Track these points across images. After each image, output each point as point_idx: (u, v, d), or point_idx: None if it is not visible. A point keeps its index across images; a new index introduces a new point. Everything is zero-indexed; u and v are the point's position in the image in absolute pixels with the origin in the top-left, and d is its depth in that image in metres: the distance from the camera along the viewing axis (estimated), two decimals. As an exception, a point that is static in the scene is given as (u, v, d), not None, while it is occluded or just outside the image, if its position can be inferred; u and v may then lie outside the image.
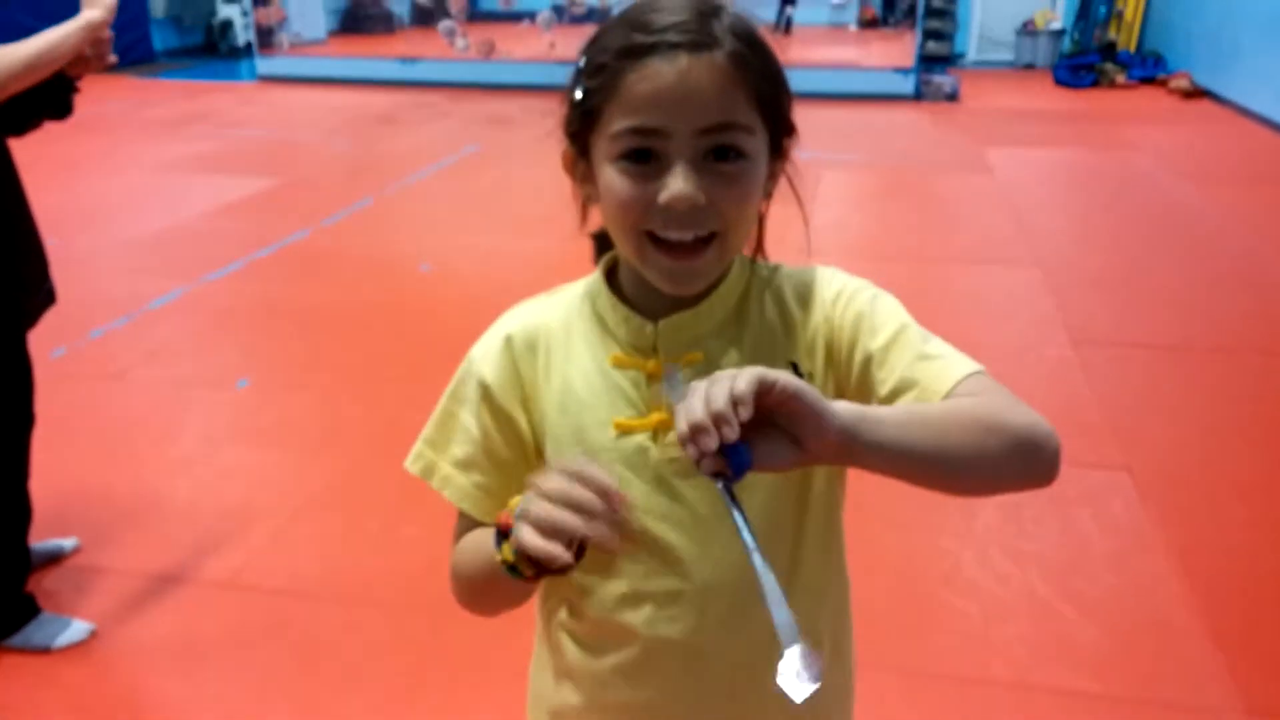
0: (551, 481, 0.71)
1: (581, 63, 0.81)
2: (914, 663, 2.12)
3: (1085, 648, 2.16)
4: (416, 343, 3.79)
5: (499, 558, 0.76)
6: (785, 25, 12.27)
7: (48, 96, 2.04)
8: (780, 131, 0.83)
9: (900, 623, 2.23)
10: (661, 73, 0.75)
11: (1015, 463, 0.77)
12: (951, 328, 3.74)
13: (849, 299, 0.85)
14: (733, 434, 0.64)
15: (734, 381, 0.65)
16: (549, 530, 0.70)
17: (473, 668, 2.08)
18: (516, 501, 0.75)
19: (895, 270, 4.62)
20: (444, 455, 0.90)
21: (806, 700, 0.89)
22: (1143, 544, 2.51)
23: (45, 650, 2.13)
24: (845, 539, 0.92)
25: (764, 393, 0.65)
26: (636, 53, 0.76)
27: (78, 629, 2.18)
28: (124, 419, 3.19)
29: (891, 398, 0.81)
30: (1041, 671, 2.09)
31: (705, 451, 0.64)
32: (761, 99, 0.79)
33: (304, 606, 2.30)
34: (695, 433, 0.64)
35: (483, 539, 0.82)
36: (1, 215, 2.02)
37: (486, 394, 0.88)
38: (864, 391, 0.83)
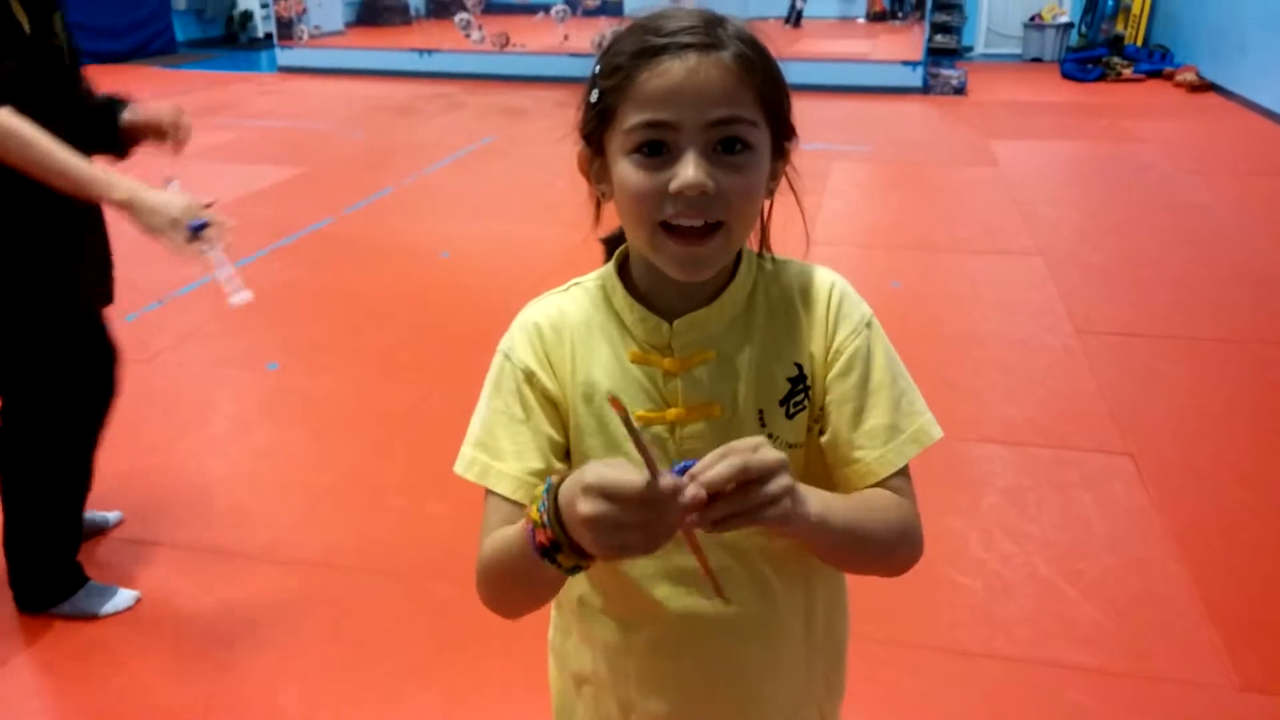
0: (607, 501, 0.68)
1: (597, 69, 0.85)
2: (919, 637, 2.19)
3: (1085, 625, 2.22)
4: (438, 327, 3.88)
5: (539, 551, 0.75)
6: (795, 19, 12.30)
7: (107, 138, 2.05)
8: (782, 133, 0.87)
9: (906, 598, 2.26)
10: (673, 69, 0.80)
11: (893, 566, 0.92)
12: (958, 316, 3.83)
13: (851, 331, 0.91)
14: (699, 499, 0.69)
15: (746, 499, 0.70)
16: (614, 546, 0.69)
17: (499, 634, 2.13)
18: (539, 496, 0.76)
19: (903, 259, 4.71)
20: (495, 454, 0.90)
21: (806, 670, 0.98)
22: (1143, 526, 2.58)
23: (93, 617, 2.22)
24: None
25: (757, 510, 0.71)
26: (649, 53, 0.81)
27: (124, 597, 2.27)
28: (159, 400, 3.29)
29: (848, 446, 0.90)
30: (1042, 647, 2.15)
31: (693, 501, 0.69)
32: (765, 99, 0.83)
33: (336, 578, 2.39)
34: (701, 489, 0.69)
35: (512, 536, 0.82)
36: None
37: (531, 378, 0.91)
38: (825, 416, 0.91)
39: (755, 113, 0.83)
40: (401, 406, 3.21)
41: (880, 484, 0.90)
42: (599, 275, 0.95)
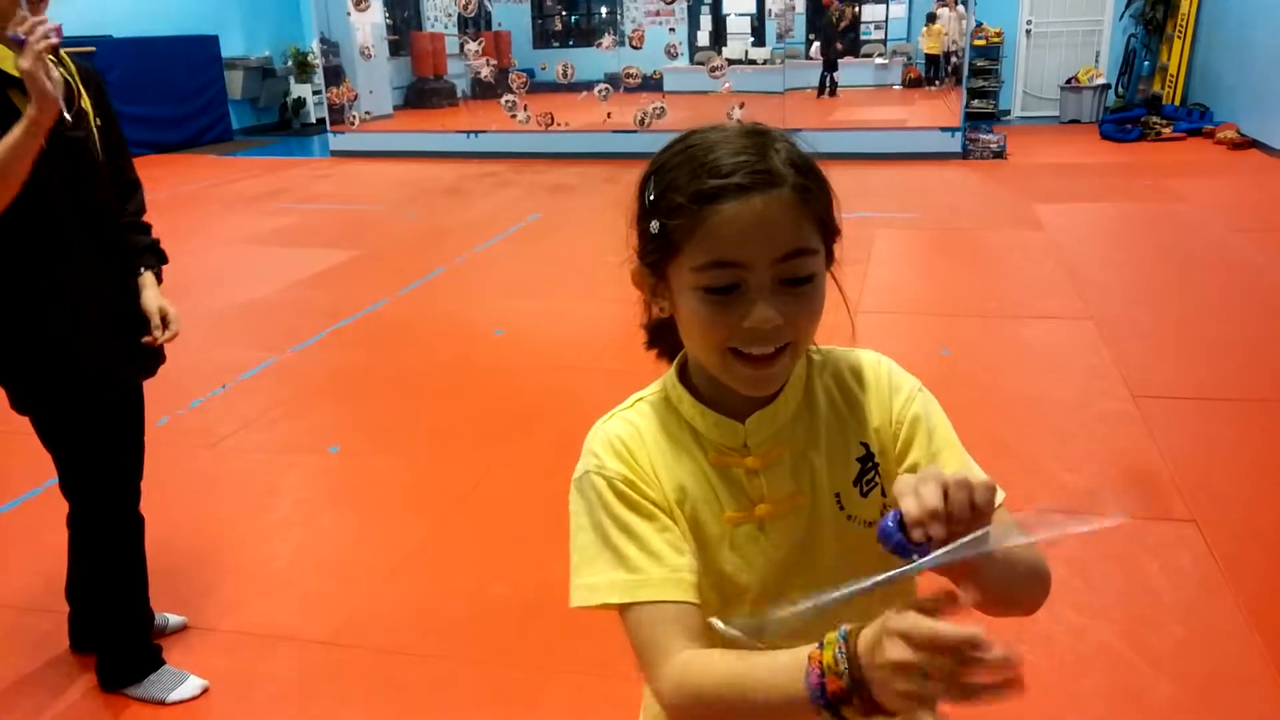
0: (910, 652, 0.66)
1: (650, 197, 0.88)
2: (992, 714, 2.17)
3: (1160, 700, 2.18)
4: (494, 405, 3.94)
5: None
6: (831, 89, 12.49)
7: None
8: (831, 239, 0.91)
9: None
10: (740, 214, 0.83)
11: (1034, 601, 0.91)
12: (1011, 382, 3.81)
13: (906, 397, 0.95)
14: (940, 536, 0.70)
15: (973, 495, 0.71)
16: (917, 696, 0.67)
17: (571, 717, 2.19)
18: (834, 641, 0.72)
19: (952, 325, 4.71)
20: (631, 568, 0.88)
21: None
22: (1212, 597, 2.54)
23: (161, 703, 2.25)
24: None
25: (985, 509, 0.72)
26: (711, 197, 0.84)
27: (193, 684, 2.30)
28: (224, 485, 3.37)
29: None
30: (1119, 724, 2.12)
31: (930, 535, 0.70)
32: (821, 221, 0.88)
33: (404, 662, 2.39)
34: (929, 519, 0.70)
35: (765, 671, 0.77)
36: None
37: (631, 485, 0.91)
38: None
39: (815, 238, 0.87)
40: (462, 486, 3.25)
41: None
42: (660, 387, 0.99)
